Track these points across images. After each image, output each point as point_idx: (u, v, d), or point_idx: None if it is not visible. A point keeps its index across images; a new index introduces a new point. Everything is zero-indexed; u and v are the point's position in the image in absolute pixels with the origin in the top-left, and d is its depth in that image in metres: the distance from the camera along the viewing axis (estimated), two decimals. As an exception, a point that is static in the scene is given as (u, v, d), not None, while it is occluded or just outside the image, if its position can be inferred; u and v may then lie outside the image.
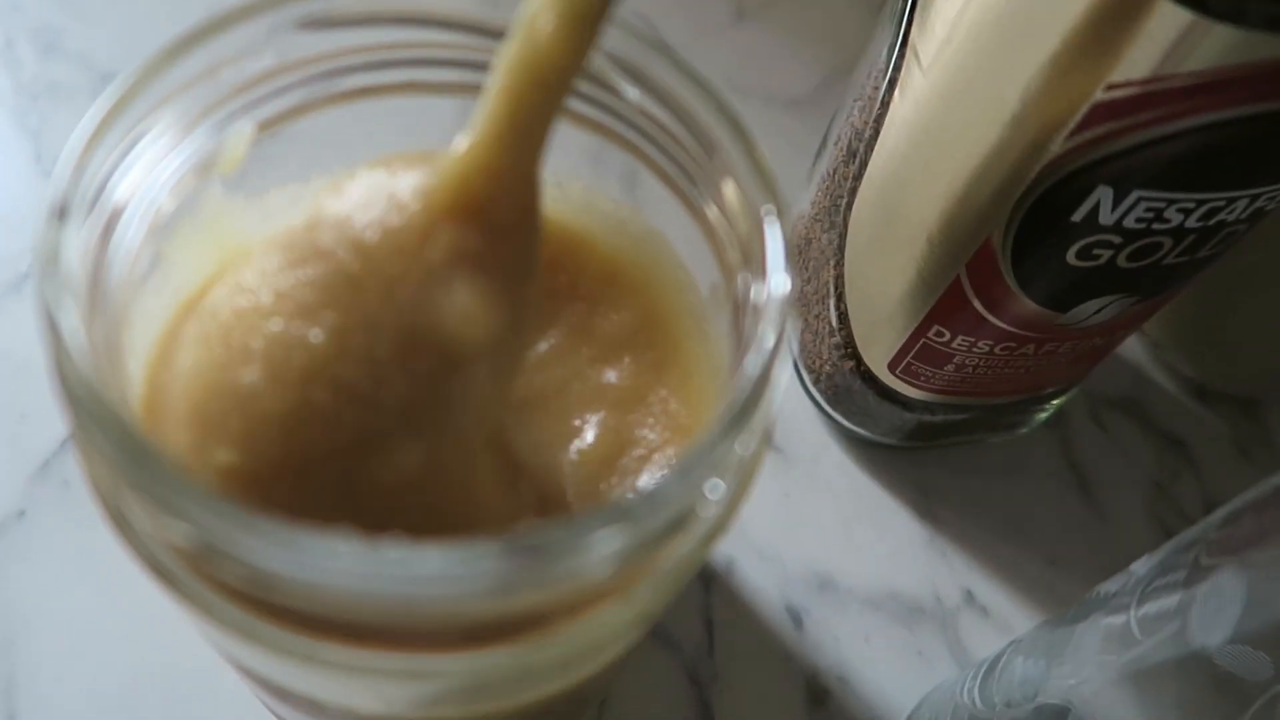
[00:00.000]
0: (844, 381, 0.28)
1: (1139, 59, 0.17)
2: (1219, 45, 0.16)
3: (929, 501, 0.30)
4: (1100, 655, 0.18)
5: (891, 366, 0.26)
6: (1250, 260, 0.28)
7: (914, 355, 0.25)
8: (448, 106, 0.19)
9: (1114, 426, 0.32)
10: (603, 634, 0.14)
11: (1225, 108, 0.17)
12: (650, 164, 0.17)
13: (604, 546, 0.12)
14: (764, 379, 0.13)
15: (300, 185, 0.19)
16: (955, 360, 0.25)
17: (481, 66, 0.17)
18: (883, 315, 0.25)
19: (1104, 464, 0.31)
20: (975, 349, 0.24)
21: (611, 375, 0.19)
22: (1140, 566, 0.17)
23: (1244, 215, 0.20)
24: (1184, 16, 0.16)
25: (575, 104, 0.17)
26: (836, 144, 0.26)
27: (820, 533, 0.29)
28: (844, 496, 0.29)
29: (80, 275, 0.12)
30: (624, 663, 0.19)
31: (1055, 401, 0.29)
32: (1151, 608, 0.16)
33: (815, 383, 0.29)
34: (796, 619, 0.27)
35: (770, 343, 0.13)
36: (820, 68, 0.38)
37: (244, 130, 0.16)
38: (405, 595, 0.11)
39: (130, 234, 0.14)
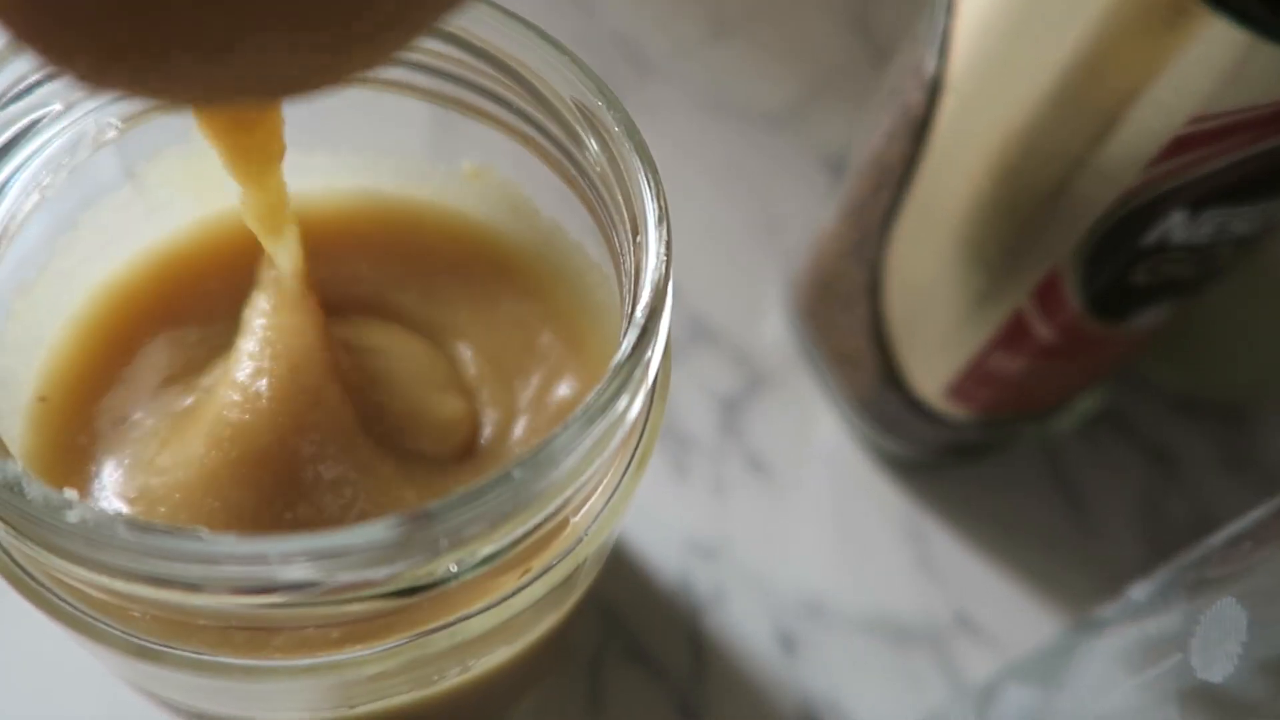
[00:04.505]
0: (886, 410, 0.27)
1: (1227, 93, 0.17)
2: None
3: (918, 522, 0.29)
4: (1099, 683, 0.17)
5: (945, 392, 0.26)
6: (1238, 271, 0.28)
7: (971, 379, 0.25)
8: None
9: (1101, 441, 0.32)
10: (510, 612, 0.14)
11: None
12: (588, 204, 0.17)
13: (492, 506, 0.12)
14: (646, 337, 0.13)
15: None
16: (1012, 377, 0.24)
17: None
18: (936, 345, 0.25)
19: (1092, 479, 0.31)
20: (1033, 364, 0.24)
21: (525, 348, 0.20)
22: (1137, 592, 0.17)
23: None
24: (1273, 53, 0.16)
25: (547, 145, 0.16)
26: (860, 177, 0.25)
27: (809, 557, 0.28)
28: (832, 519, 0.29)
29: None
30: (557, 643, 0.19)
31: (1087, 403, 0.29)
32: (1151, 636, 0.15)
33: (858, 411, 0.29)
34: (787, 645, 0.27)
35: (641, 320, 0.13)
36: (798, 83, 0.37)
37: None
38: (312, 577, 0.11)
39: None
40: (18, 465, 0.11)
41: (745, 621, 0.27)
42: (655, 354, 0.14)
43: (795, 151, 0.36)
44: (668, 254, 0.13)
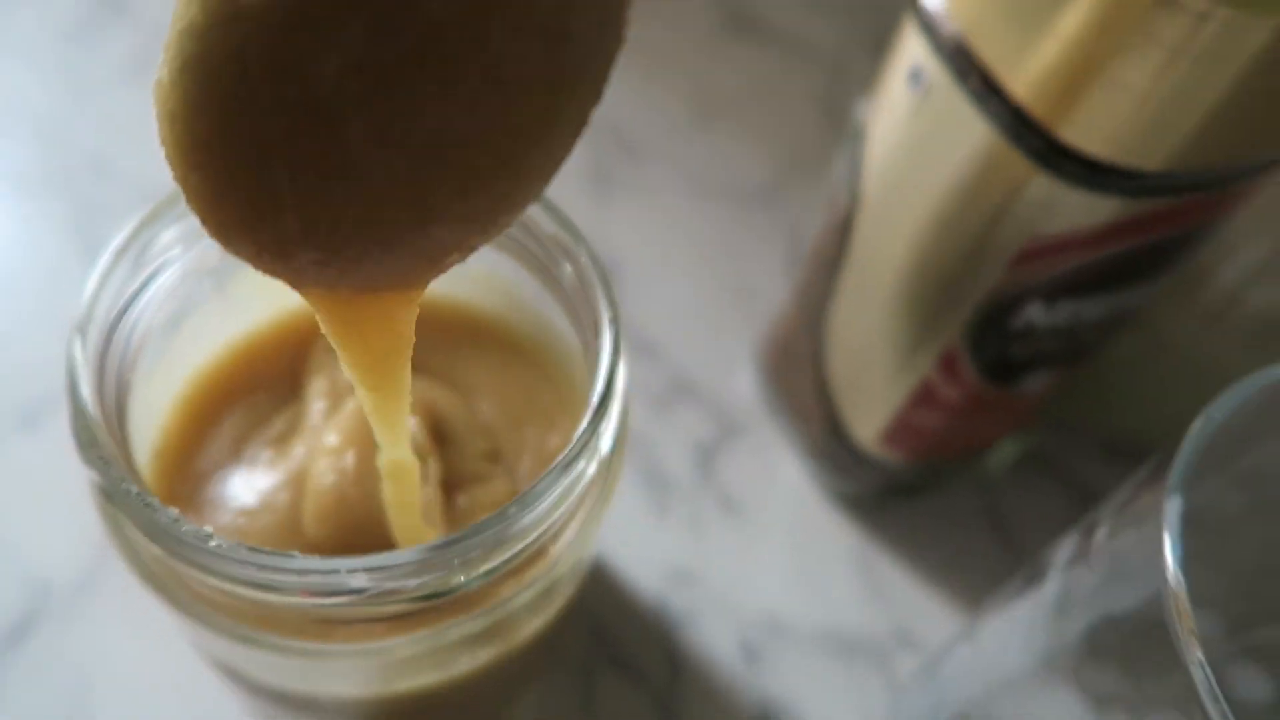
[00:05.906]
0: (835, 455, 0.32)
1: (1052, 222, 0.22)
2: (1114, 207, 0.21)
3: (866, 551, 0.34)
4: (1002, 644, 0.22)
5: (879, 440, 0.30)
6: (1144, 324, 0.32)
7: (898, 430, 0.30)
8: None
9: (1030, 479, 0.36)
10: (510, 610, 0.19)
11: (1127, 241, 0.22)
12: (563, 307, 0.22)
13: (490, 537, 0.17)
14: (597, 418, 0.18)
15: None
16: (931, 430, 0.29)
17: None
18: (868, 403, 0.30)
19: (1022, 513, 0.35)
20: (948, 419, 0.29)
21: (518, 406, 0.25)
22: (1015, 581, 0.22)
23: (1143, 300, 0.25)
24: (1082, 196, 0.21)
25: (535, 264, 0.22)
26: (806, 262, 0.31)
27: (771, 581, 0.33)
28: (792, 549, 0.33)
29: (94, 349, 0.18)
30: (547, 643, 0.23)
31: (1010, 448, 0.34)
32: (1036, 610, 0.20)
33: (813, 456, 0.34)
34: (751, 656, 0.31)
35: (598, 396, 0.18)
36: (773, 166, 0.43)
37: None
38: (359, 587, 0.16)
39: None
40: (173, 510, 0.16)
41: (715, 637, 0.32)
42: (609, 428, 0.19)
43: (770, 226, 0.41)
44: (614, 356, 0.19)
